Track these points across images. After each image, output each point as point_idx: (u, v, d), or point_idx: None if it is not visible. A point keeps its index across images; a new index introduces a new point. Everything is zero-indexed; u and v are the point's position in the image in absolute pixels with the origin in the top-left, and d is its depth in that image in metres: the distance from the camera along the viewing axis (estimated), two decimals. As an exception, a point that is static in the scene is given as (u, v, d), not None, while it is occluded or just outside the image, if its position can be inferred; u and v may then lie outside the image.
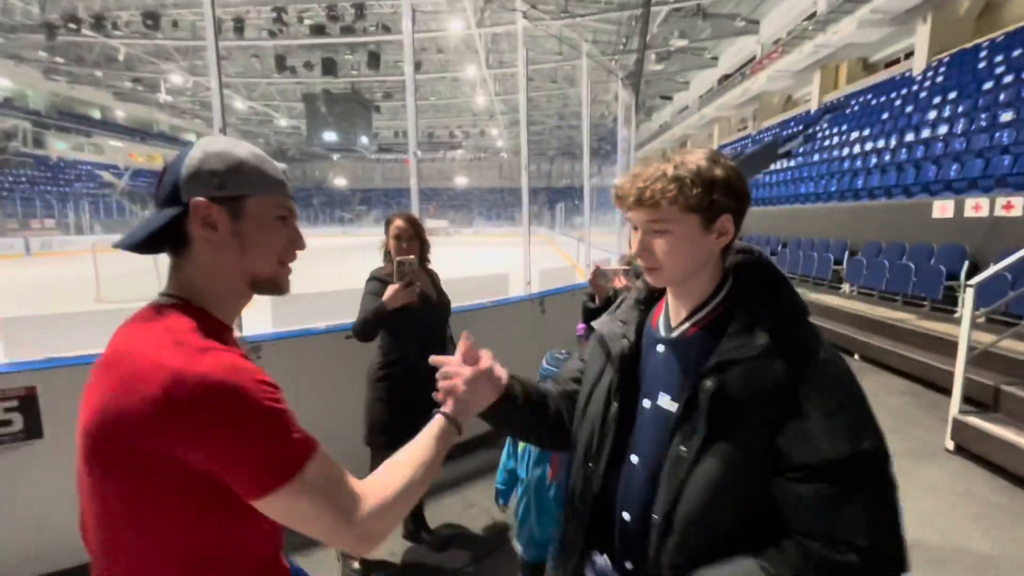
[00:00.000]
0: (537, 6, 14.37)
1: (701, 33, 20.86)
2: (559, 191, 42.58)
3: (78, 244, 20.41)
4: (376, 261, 2.37)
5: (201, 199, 0.68)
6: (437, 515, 2.66)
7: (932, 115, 9.99)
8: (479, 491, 2.95)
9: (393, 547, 2.43)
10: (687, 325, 0.83)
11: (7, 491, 2.09)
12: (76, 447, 0.67)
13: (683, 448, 0.74)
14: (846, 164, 11.02)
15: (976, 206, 6.10)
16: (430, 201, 46.27)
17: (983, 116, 8.41)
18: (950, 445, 3.41)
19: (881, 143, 10.61)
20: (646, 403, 0.84)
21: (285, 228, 0.76)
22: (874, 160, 10.09)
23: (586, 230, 6.56)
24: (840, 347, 5.96)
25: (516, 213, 38.00)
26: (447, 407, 0.84)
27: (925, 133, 9.49)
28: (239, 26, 19.51)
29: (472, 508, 2.78)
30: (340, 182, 49.89)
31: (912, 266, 6.25)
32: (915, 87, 12.02)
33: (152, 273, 10.61)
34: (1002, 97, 8.50)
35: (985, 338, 3.63)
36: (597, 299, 2.24)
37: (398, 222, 2.27)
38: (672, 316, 0.87)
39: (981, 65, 10.31)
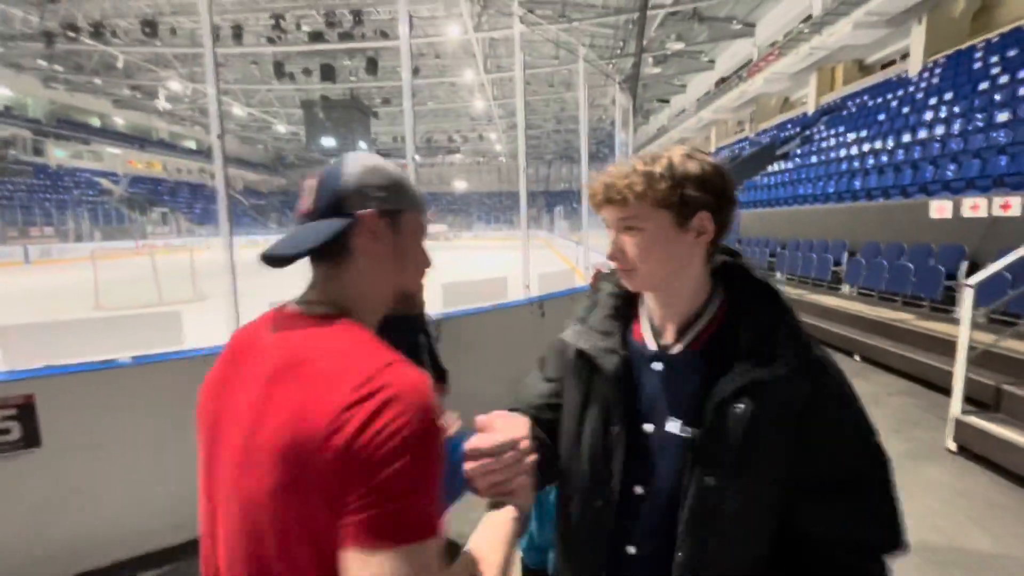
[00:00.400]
0: (534, 11, 14.44)
1: (697, 36, 20.97)
2: (557, 194, 42.67)
3: (77, 251, 20.42)
4: None
5: (370, 211, 0.68)
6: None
7: (929, 116, 10.02)
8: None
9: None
10: (688, 339, 0.76)
11: (5, 500, 2.08)
12: (232, 466, 0.61)
13: (710, 479, 0.68)
14: (844, 165, 11.04)
15: (974, 206, 6.11)
16: (429, 205, 46.21)
17: (979, 116, 8.44)
18: (951, 445, 3.40)
19: (878, 144, 10.64)
20: (648, 427, 0.75)
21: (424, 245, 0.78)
22: (871, 161, 10.12)
23: (585, 233, 6.57)
24: (840, 348, 5.96)
25: (515, 217, 38.03)
26: (519, 500, 0.70)
27: (922, 134, 9.52)
28: (237, 33, 19.58)
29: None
30: (339, 187, 49.92)
31: (911, 266, 6.25)
32: (911, 88, 12.06)
33: (150, 280, 10.60)
34: (998, 97, 8.54)
35: (985, 338, 3.63)
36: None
37: None
38: (661, 328, 0.78)
39: (977, 66, 10.36)
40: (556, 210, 30.61)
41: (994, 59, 9.94)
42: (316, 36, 20.25)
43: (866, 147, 10.99)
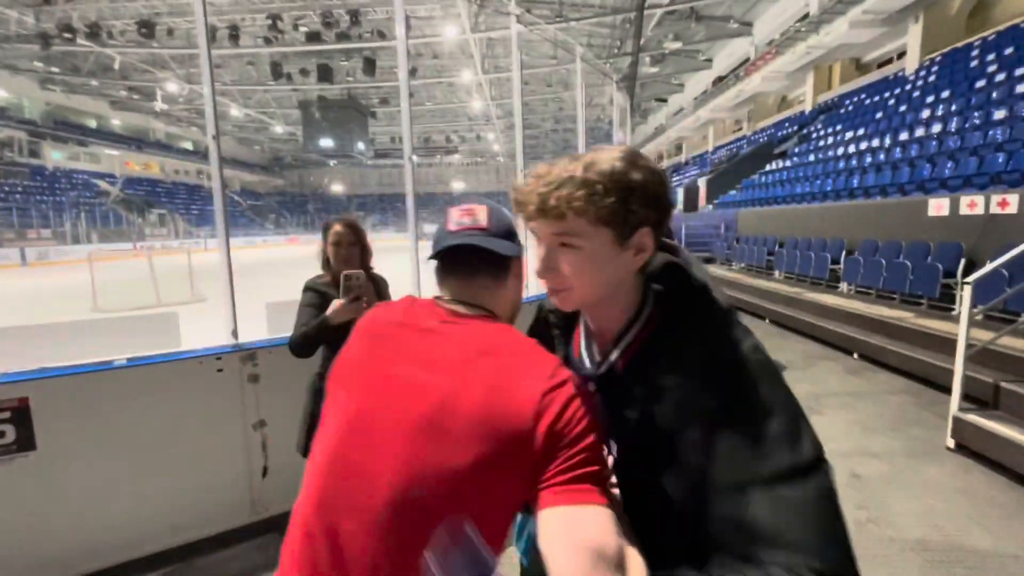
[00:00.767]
0: (531, 11, 14.43)
1: (695, 35, 20.99)
2: (556, 194, 42.66)
3: (75, 253, 20.38)
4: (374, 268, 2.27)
5: (522, 250, 0.85)
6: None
7: (926, 114, 10.04)
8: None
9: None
10: (615, 356, 0.72)
11: (0, 504, 2.07)
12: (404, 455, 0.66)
13: (628, 496, 0.68)
14: (841, 164, 11.06)
15: (971, 204, 6.11)
16: (427, 206, 46.32)
17: (976, 114, 8.46)
18: (950, 443, 3.40)
19: (876, 142, 10.66)
20: None
21: None
22: (869, 159, 10.14)
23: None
24: (839, 346, 5.96)
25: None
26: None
27: (919, 132, 9.54)
28: (234, 34, 19.56)
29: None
30: (337, 188, 49.94)
31: (909, 264, 6.26)
32: (908, 86, 12.09)
33: (148, 282, 10.58)
34: (995, 95, 8.55)
35: (983, 335, 3.63)
36: None
37: (337, 227, 2.10)
38: (596, 344, 0.76)
39: (973, 64, 10.38)
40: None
41: (991, 57, 9.97)
42: (313, 36, 20.23)
43: (863, 145, 11.01)
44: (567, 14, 17.90)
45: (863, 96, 14.29)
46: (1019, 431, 3.07)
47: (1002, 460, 3.07)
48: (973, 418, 3.28)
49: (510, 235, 0.81)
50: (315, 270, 2.23)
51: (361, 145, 31.52)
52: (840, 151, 11.79)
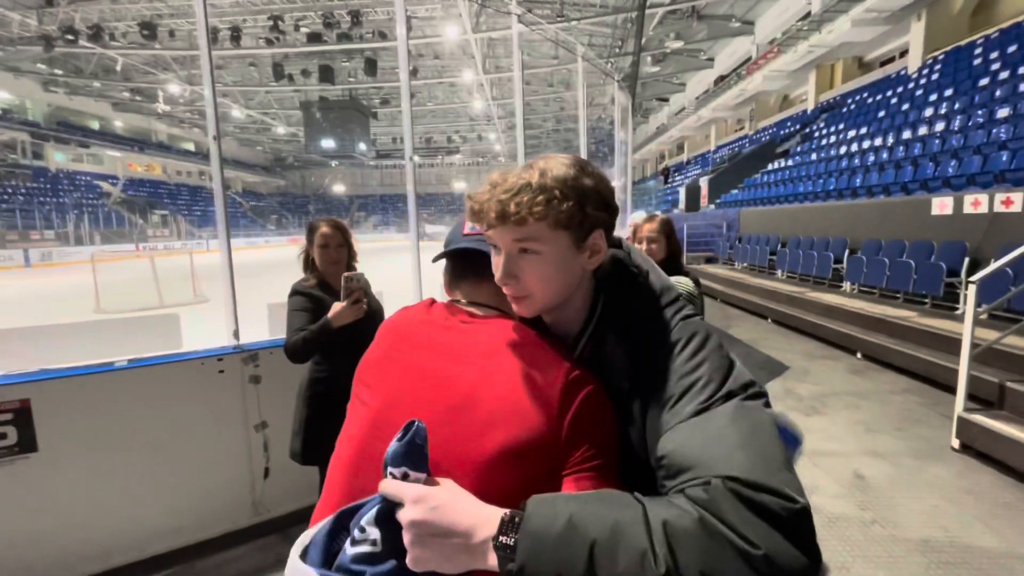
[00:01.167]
0: (532, 10, 14.42)
1: (696, 35, 20.94)
2: (557, 194, 42.62)
3: (78, 255, 20.44)
4: (368, 268, 2.22)
5: None
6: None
7: (928, 112, 10.00)
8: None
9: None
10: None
11: (2, 506, 2.07)
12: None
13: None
14: (844, 163, 11.02)
15: (975, 202, 6.08)
16: (428, 206, 46.33)
17: (979, 112, 8.42)
18: (955, 443, 3.38)
19: (878, 141, 10.62)
20: None
21: None
22: (872, 158, 10.10)
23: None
24: (842, 346, 5.93)
25: (515, 217, 37.88)
26: None
27: (922, 130, 9.50)
28: (236, 35, 19.58)
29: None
30: (338, 188, 50.00)
31: (912, 263, 6.23)
32: (911, 85, 12.04)
33: (150, 283, 10.60)
34: (998, 93, 8.51)
35: (988, 335, 3.61)
36: None
37: (324, 229, 2.08)
38: None
39: (976, 62, 10.33)
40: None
41: (994, 55, 9.92)
42: (314, 37, 20.25)
43: (866, 144, 10.97)
44: (568, 14, 17.88)
45: (865, 95, 14.24)
46: (1025, 431, 3.05)
47: (1008, 460, 3.05)
48: (978, 418, 3.26)
49: None
50: (317, 272, 2.21)
51: (362, 146, 31.54)
52: (842, 150, 11.76)
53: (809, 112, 17.72)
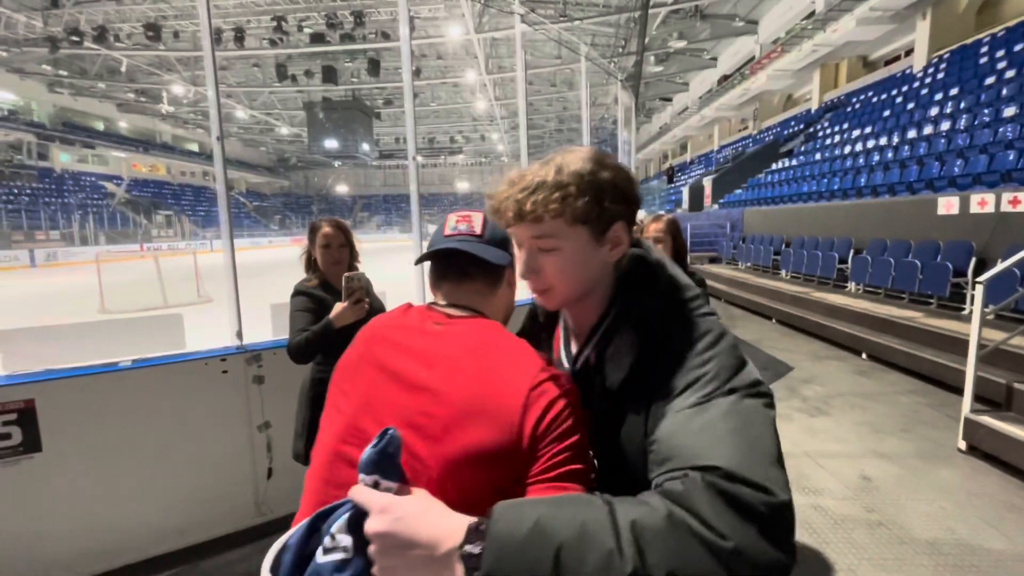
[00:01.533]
0: (535, 10, 14.41)
1: (700, 34, 20.89)
2: (560, 194, 42.62)
3: (83, 255, 20.55)
4: (371, 268, 2.22)
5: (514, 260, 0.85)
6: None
7: (934, 111, 9.94)
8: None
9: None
10: (586, 354, 0.75)
11: (6, 506, 2.07)
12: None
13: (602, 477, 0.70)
14: (848, 162, 10.97)
15: (982, 202, 6.04)
16: (431, 206, 46.37)
17: (986, 111, 8.36)
18: (962, 445, 3.35)
19: (883, 140, 10.56)
20: None
21: None
22: (876, 158, 10.05)
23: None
24: (847, 346, 5.90)
25: (518, 217, 37.93)
26: None
27: (927, 130, 9.45)
28: (239, 36, 19.65)
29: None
30: (342, 189, 50.11)
31: (918, 263, 6.19)
32: (916, 84, 11.97)
33: (155, 283, 10.63)
34: (1005, 92, 8.45)
35: (995, 335, 3.58)
36: None
37: (326, 229, 2.08)
38: (573, 342, 0.78)
39: (983, 60, 10.27)
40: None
41: (1000, 53, 9.85)
42: (318, 38, 20.31)
43: (871, 144, 10.91)
44: (571, 13, 17.86)
45: (870, 94, 14.18)
46: (1033, 433, 3.02)
47: (1015, 462, 3.02)
48: (986, 420, 3.24)
49: (504, 244, 0.85)
50: (320, 272, 2.20)
51: (365, 146, 31.60)
52: (847, 149, 11.70)
53: (813, 111, 17.65)
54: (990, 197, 5.94)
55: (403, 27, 3.57)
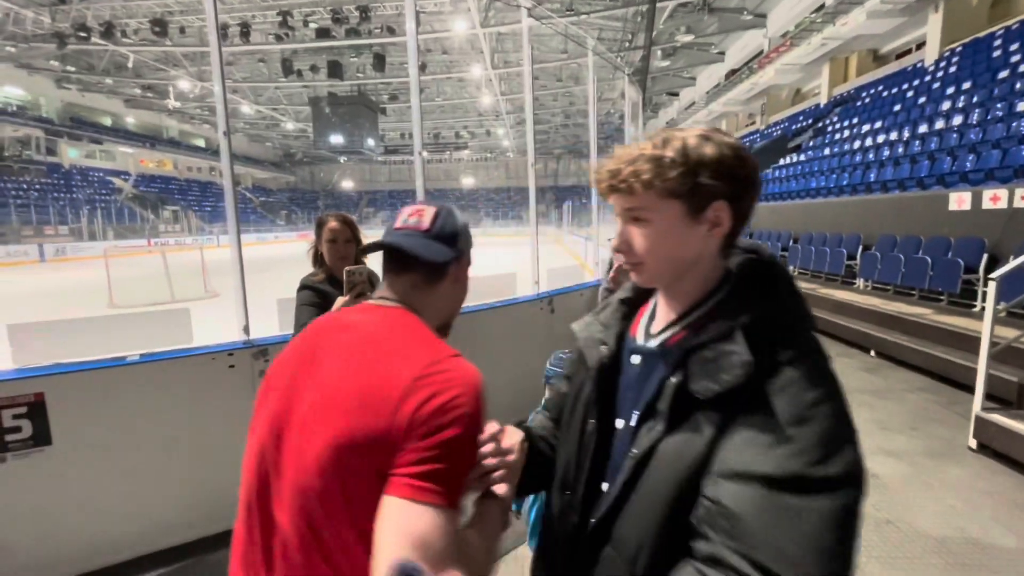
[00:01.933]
0: (542, 4, 14.33)
1: (707, 28, 20.67)
2: (566, 189, 42.51)
3: (91, 250, 20.71)
4: (377, 263, 2.24)
5: (466, 255, 0.89)
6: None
7: (946, 106, 9.80)
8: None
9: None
10: (668, 333, 0.70)
11: (16, 498, 2.09)
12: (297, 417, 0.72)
13: (634, 451, 0.65)
14: (858, 157, 10.85)
15: (994, 197, 5.96)
16: (436, 202, 46.33)
17: (999, 106, 8.24)
18: (972, 443, 3.32)
19: (894, 135, 10.44)
20: (619, 423, 0.72)
21: None
22: (887, 152, 9.93)
23: (594, 228, 6.51)
24: (855, 343, 5.85)
25: (523, 212, 37.97)
26: (502, 491, 0.73)
27: (939, 124, 9.32)
28: (245, 31, 19.64)
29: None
30: (347, 184, 50.19)
31: (928, 260, 6.12)
32: (927, 78, 11.81)
33: (162, 278, 10.70)
34: (1018, 86, 8.32)
35: (1007, 333, 3.54)
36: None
37: (332, 223, 2.08)
38: (656, 321, 0.74)
39: (996, 54, 10.11)
40: (565, 205, 30.48)
41: (1014, 47, 9.70)
42: (323, 33, 20.26)
43: (881, 138, 10.79)
44: (578, 7, 17.73)
45: (880, 88, 14.00)
46: (1045, 431, 2.98)
47: (1027, 461, 2.99)
48: (997, 418, 3.20)
49: (451, 240, 0.84)
50: (326, 267, 2.20)
51: (371, 141, 31.59)
52: (856, 144, 11.57)
53: (822, 106, 17.46)
54: (1003, 193, 5.86)
55: (410, 22, 3.55)
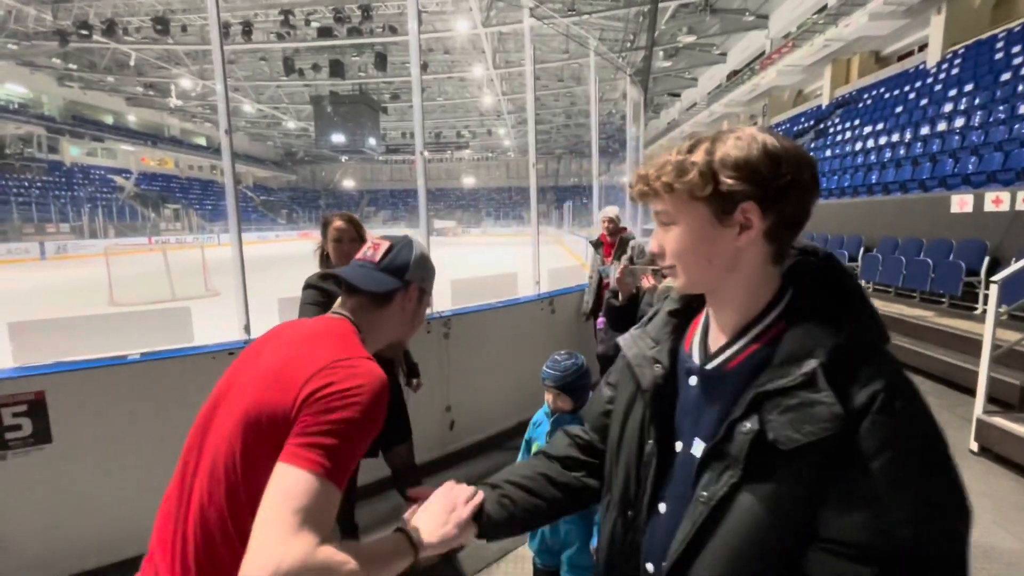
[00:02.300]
0: (544, 3, 14.31)
1: (709, 29, 20.68)
2: (567, 190, 42.51)
3: (92, 248, 20.72)
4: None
5: (414, 284, 1.01)
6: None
7: (948, 108, 9.80)
8: (490, 494, 2.91)
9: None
10: (728, 353, 0.66)
11: (17, 496, 2.09)
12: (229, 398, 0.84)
13: (704, 494, 0.62)
14: (859, 159, 10.85)
15: (996, 200, 5.95)
16: (438, 201, 46.39)
17: (1001, 108, 8.23)
18: (974, 446, 3.31)
19: (896, 137, 10.43)
20: (678, 446, 0.70)
21: None
22: (888, 154, 9.93)
23: (595, 229, 6.50)
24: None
25: (524, 212, 37.98)
26: (412, 526, 0.78)
27: (941, 126, 9.31)
28: (247, 29, 19.66)
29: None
30: (348, 183, 50.20)
31: (930, 262, 6.11)
32: (929, 80, 11.80)
33: (163, 277, 10.70)
34: (1021, 88, 8.31)
35: (1009, 336, 3.53)
36: (621, 296, 2.18)
37: (338, 223, 2.07)
38: (712, 338, 0.70)
39: (998, 56, 10.10)
40: (566, 205, 30.48)
41: (1016, 49, 9.68)
42: (325, 32, 20.27)
43: (883, 140, 10.78)
44: (580, 7, 17.73)
45: (882, 90, 13.99)
46: (1047, 435, 2.97)
47: (1028, 464, 2.98)
48: (998, 421, 3.19)
49: (398, 272, 0.99)
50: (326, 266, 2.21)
51: (372, 140, 31.61)
52: (858, 146, 11.57)
53: (824, 107, 17.45)
54: (1005, 195, 5.85)
55: (412, 21, 3.55)
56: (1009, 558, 2.29)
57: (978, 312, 5.48)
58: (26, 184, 25.83)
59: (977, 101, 9.14)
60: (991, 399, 3.35)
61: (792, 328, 0.61)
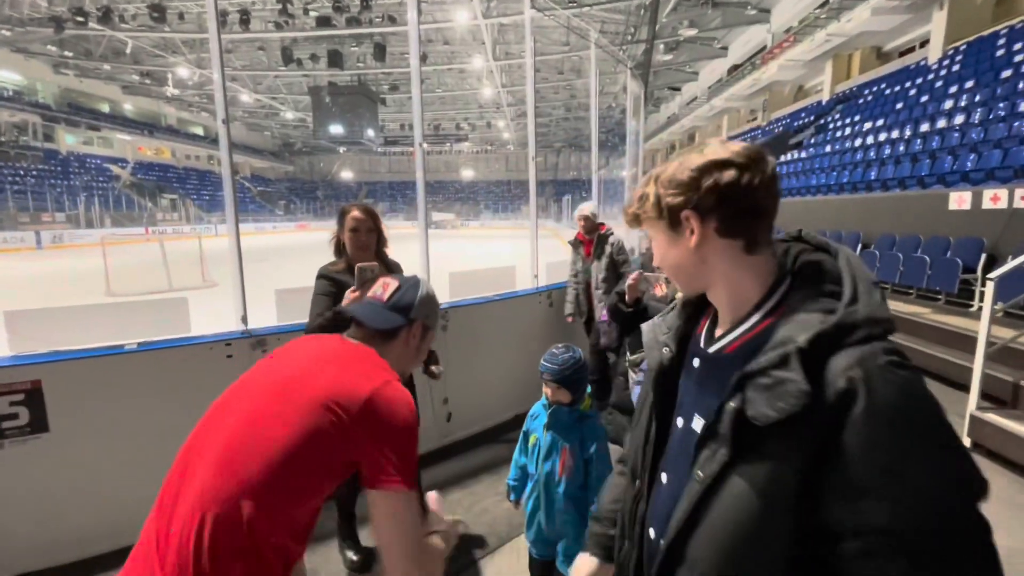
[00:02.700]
0: (544, -5, 14.18)
1: (711, 22, 20.58)
2: (566, 183, 42.41)
3: (88, 237, 20.61)
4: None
5: (419, 322, 1.12)
6: (445, 510, 2.63)
7: (948, 104, 9.78)
8: (486, 486, 2.92)
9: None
10: (727, 339, 0.72)
11: (14, 485, 2.09)
12: (261, 397, 0.92)
13: (699, 473, 0.65)
14: (859, 155, 10.83)
15: (994, 197, 5.96)
16: (436, 194, 46.23)
17: (1001, 105, 8.22)
18: (967, 442, 3.34)
19: (895, 133, 10.41)
20: (679, 422, 0.77)
21: None
22: (888, 151, 9.91)
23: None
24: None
25: (523, 206, 37.88)
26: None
27: (941, 123, 9.30)
28: (245, 18, 19.47)
29: (479, 504, 2.76)
30: (346, 175, 49.96)
31: (927, 259, 6.13)
32: (931, 76, 11.77)
33: (160, 267, 10.66)
34: (1021, 85, 8.30)
35: (1004, 333, 3.55)
36: (628, 299, 2.19)
37: (355, 213, 2.07)
38: (718, 326, 0.76)
39: (999, 53, 10.07)
40: (565, 199, 30.42)
41: (1018, 46, 9.65)
42: (323, 21, 20.09)
43: (882, 136, 10.76)
44: (581, 0, 17.60)
45: (883, 86, 13.95)
46: (1039, 431, 3.00)
47: (1021, 460, 3.01)
48: (992, 417, 3.22)
49: (404, 310, 1.09)
50: (324, 257, 2.20)
51: (371, 132, 31.41)
52: (858, 142, 11.55)
53: (824, 103, 17.40)
54: (1003, 193, 5.86)
55: (411, 11, 3.51)
56: (1003, 555, 2.32)
57: (974, 309, 5.50)
58: (21, 172, 25.61)
59: (977, 98, 9.13)
60: (985, 396, 3.37)
61: (784, 316, 0.65)
